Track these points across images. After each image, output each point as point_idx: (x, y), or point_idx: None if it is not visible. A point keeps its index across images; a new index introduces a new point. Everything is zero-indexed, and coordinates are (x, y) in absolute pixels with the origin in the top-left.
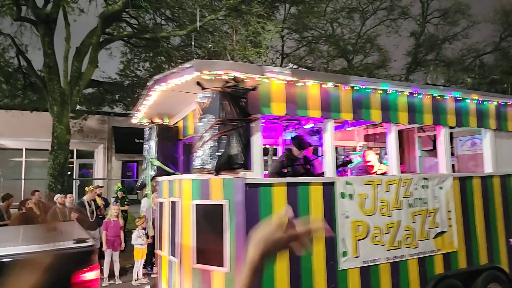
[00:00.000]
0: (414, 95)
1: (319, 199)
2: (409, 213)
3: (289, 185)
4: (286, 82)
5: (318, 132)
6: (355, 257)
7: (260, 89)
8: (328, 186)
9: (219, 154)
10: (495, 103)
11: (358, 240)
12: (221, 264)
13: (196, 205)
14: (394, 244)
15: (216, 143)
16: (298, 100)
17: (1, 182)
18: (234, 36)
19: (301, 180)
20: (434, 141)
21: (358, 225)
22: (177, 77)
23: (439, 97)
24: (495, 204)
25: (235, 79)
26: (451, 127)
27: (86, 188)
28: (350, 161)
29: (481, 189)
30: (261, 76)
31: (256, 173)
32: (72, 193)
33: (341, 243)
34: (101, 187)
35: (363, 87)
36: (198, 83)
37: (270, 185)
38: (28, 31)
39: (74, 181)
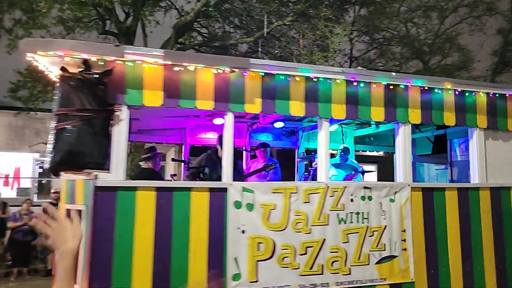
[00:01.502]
0: (354, 83)
1: (203, 209)
2: (339, 230)
3: (159, 189)
4: (161, 66)
5: (293, 132)
6: (252, 281)
7: (127, 74)
8: (218, 193)
9: (55, 150)
10: (482, 94)
11: (258, 261)
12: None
13: (66, 209)
14: (314, 268)
15: (53, 138)
16: (182, 88)
17: None
18: (301, 41)
19: (178, 184)
20: (436, 143)
21: (259, 243)
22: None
23: (393, 87)
24: (482, 225)
25: (86, 62)
26: (418, 125)
27: None
28: (272, 165)
29: (458, 205)
30: (121, 59)
31: (116, 175)
32: None
33: (232, 263)
34: None
35: (273, 72)
36: (63, 68)
37: (132, 189)
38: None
39: None
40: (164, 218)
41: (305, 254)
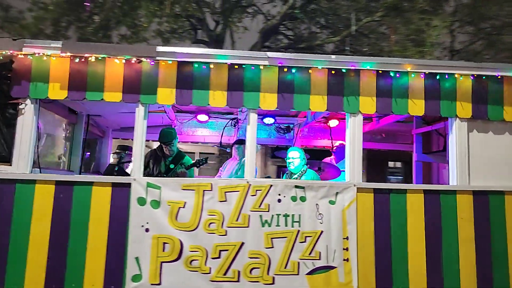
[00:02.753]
0: (285, 70)
1: (104, 204)
2: (261, 233)
3: (59, 183)
4: (68, 58)
5: (289, 129)
6: (154, 284)
7: (33, 68)
8: (122, 188)
9: None
10: (460, 77)
11: (163, 262)
12: None
13: None
14: (228, 274)
15: None
16: (89, 80)
17: None
18: (393, 36)
19: (79, 178)
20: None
21: (165, 243)
22: None
23: (337, 72)
24: (460, 237)
25: None
26: (379, 116)
27: None
28: (204, 160)
29: (424, 211)
30: (19, 52)
31: (17, 167)
32: None
33: (133, 263)
34: None
35: (188, 60)
36: None
37: (31, 182)
38: None
39: None
40: (62, 213)
41: (219, 258)
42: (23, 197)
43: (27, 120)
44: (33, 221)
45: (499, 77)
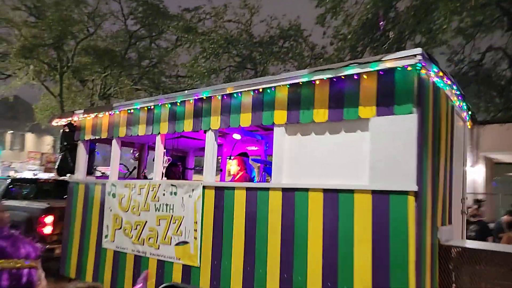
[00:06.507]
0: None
1: (98, 196)
2: (154, 216)
3: (100, 183)
4: (88, 118)
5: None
6: (112, 241)
7: (80, 124)
8: (103, 186)
9: None
10: (269, 89)
11: (116, 229)
12: None
13: None
14: (139, 240)
15: None
16: (97, 128)
17: (500, 197)
18: None
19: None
20: None
21: (116, 218)
22: None
23: (204, 100)
24: (269, 228)
25: None
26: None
27: None
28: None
29: (245, 205)
30: (73, 117)
31: (77, 176)
32: None
33: (105, 228)
34: None
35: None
36: None
37: (82, 183)
38: None
39: None
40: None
41: (136, 229)
42: (79, 192)
43: (81, 151)
44: (77, 212)
45: (300, 83)
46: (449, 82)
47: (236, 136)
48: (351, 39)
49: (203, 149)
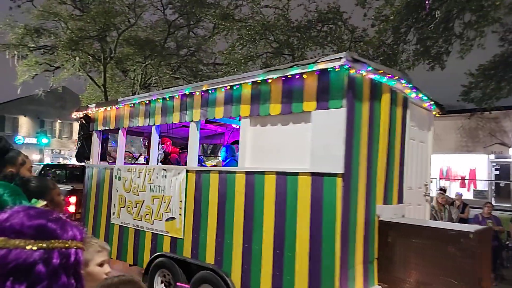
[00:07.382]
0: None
1: (107, 179)
2: (150, 196)
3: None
4: (101, 111)
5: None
6: (118, 218)
7: (93, 116)
8: (111, 170)
9: None
10: (235, 86)
11: (121, 207)
12: None
13: None
14: (138, 217)
15: None
16: (107, 120)
17: None
18: None
19: (102, 166)
20: None
21: (121, 198)
22: None
23: (186, 95)
24: (235, 207)
25: None
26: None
27: None
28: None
29: (218, 186)
30: (88, 110)
31: (92, 162)
32: None
33: (113, 206)
34: None
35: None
36: None
37: (96, 167)
38: None
39: None
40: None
41: (136, 207)
42: (93, 176)
43: (95, 140)
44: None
45: (259, 81)
46: (396, 76)
47: (235, 126)
48: (394, 20)
49: (207, 137)
